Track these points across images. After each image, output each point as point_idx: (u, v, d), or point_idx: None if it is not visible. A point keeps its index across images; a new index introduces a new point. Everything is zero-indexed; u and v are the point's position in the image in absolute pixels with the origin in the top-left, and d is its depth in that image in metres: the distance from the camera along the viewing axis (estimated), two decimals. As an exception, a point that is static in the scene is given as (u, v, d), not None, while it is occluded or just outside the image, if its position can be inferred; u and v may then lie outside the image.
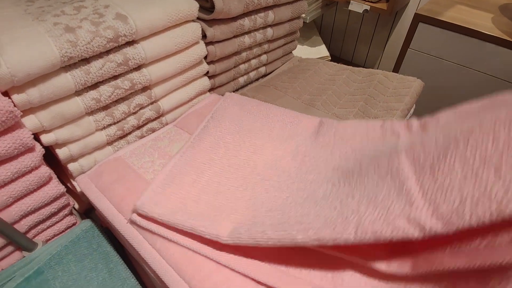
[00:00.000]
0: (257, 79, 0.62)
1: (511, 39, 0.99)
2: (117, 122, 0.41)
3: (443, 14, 1.21)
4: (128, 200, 0.34)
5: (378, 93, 0.54)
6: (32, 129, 0.33)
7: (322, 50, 2.06)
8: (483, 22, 1.19)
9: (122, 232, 0.32)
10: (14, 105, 0.30)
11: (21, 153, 0.33)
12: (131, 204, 0.33)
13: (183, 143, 0.43)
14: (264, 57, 0.59)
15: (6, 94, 0.31)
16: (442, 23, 1.18)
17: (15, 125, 0.31)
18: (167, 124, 0.48)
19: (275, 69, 0.64)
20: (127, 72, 0.39)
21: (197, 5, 0.43)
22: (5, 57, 0.29)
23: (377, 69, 1.98)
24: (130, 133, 0.44)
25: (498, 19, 1.18)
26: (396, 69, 1.41)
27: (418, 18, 1.24)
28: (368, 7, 1.40)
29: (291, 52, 0.67)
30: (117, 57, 0.37)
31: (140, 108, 0.43)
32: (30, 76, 0.30)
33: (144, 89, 0.43)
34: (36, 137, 0.35)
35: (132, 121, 0.43)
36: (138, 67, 0.40)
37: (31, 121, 0.33)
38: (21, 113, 0.31)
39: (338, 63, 2.20)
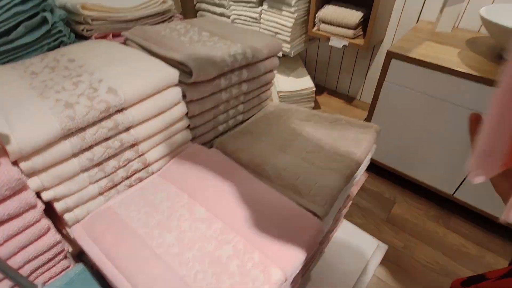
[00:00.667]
0: (235, 126, 0.69)
1: (475, 73, 1.09)
2: (108, 175, 0.48)
3: (413, 51, 1.31)
4: (116, 249, 0.40)
5: (341, 139, 0.62)
6: (35, 189, 0.39)
7: (306, 82, 2.18)
8: (450, 57, 1.29)
9: (111, 278, 0.38)
10: (22, 171, 0.37)
11: (25, 210, 0.39)
12: (119, 252, 0.39)
13: (166, 191, 0.49)
14: (241, 107, 0.67)
15: (15, 163, 0.37)
16: (412, 60, 1.28)
17: (22, 188, 0.37)
18: (153, 173, 0.54)
19: (252, 116, 0.72)
20: (117, 134, 0.46)
21: (177, 73, 0.50)
22: (15, 134, 0.36)
23: (360, 97, 2.10)
24: (119, 183, 0.50)
25: (465, 53, 1.29)
26: (374, 100, 1.51)
27: (390, 55, 1.35)
28: (346, 43, 1.52)
29: (266, 100, 0.74)
30: (108, 123, 0.44)
31: (129, 162, 0.50)
32: (36, 148, 0.37)
33: (132, 145, 0.49)
34: (37, 193, 0.41)
35: (121, 173, 0.49)
36: (127, 129, 0.47)
37: (34, 183, 0.39)
38: (27, 178, 0.37)
39: (323, 92, 2.32)
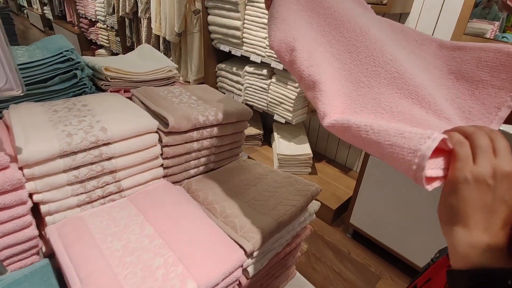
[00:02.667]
0: (206, 171, 0.83)
1: None
2: (87, 192, 0.62)
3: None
4: (74, 246, 0.52)
5: (285, 192, 0.73)
6: (29, 191, 0.54)
7: (305, 148, 2.35)
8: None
9: (64, 269, 0.49)
10: (23, 175, 0.52)
11: (17, 204, 0.52)
12: (76, 249, 0.51)
13: (128, 211, 0.62)
14: (212, 157, 0.82)
15: (20, 168, 0.52)
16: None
17: (19, 187, 0.52)
18: (125, 197, 0.68)
19: (222, 166, 0.86)
20: (100, 161, 0.61)
21: (156, 123, 0.67)
22: (27, 148, 0.52)
23: (357, 169, 2.24)
24: (95, 200, 0.64)
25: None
26: (361, 172, 1.61)
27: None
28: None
29: (237, 154, 0.89)
30: (95, 151, 0.59)
31: (106, 184, 0.64)
32: (38, 160, 0.53)
33: (111, 172, 0.64)
34: (30, 195, 0.55)
35: (98, 192, 0.63)
36: (109, 159, 0.62)
37: (30, 186, 0.54)
38: (26, 180, 0.52)
39: (322, 160, 2.48)
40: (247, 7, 1.88)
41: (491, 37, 1.37)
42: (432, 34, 1.51)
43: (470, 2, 1.30)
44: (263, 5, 1.74)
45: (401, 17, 1.59)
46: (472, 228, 0.30)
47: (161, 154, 0.71)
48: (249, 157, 2.05)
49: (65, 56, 0.73)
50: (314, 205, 0.77)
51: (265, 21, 1.76)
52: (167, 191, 0.69)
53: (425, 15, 1.50)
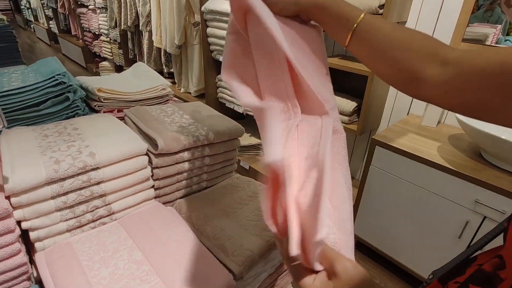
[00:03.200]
0: (199, 191, 0.83)
1: (451, 167, 1.17)
2: (77, 217, 0.62)
3: (396, 141, 1.43)
4: (61, 273, 0.52)
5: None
6: (17, 218, 0.54)
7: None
8: (430, 149, 1.39)
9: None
10: (10, 204, 0.52)
11: (5, 233, 0.53)
12: (62, 277, 0.51)
13: (118, 235, 0.62)
14: (204, 176, 0.82)
15: (7, 197, 0.53)
16: (393, 148, 1.40)
17: (6, 216, 0.52)
18: (116, 219, 0.68)
19: (215, 184, 0.86)
20: (89, 186, 0.61)
21: (146, 146, 0.67)
22: (13, 177, 0.52)
23: (359, 177, 2.20)
24: (85, 224, 0.64)
25: (445, 148, 1.38)
26: (362, 182, 1.60)
27: (375, 142, 1.48)
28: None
29: (230, 172, 0.89)
30: (83, 177, 0.60)
31: (96, 208, 0.64)
32: (25, 189, 0.53)
33: (101, 196, 0.64)
34: (18, 222, 0.56)
35: (88, 216, 0.63)
36: (98, 183, 0.62)
37: (18, 214, 0.54)
38: (13, 209, 0.52)
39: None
40: (244, 19, 1.89)
41: (493, 42, 1.34)
42: (430, 42, 1.50)
43: (468, 8, 1.29)
44: (260, 17, 1.75)
45: (398, 26, 1.59)
46: None
47: (152, 176, 0.71)
48: (250, 167, 2.05)
49: (57, 79, 0.74)
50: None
51: (263, 32, 1.77)
52: (158, 214, 0.69)
53: (422, 23, 1.49)
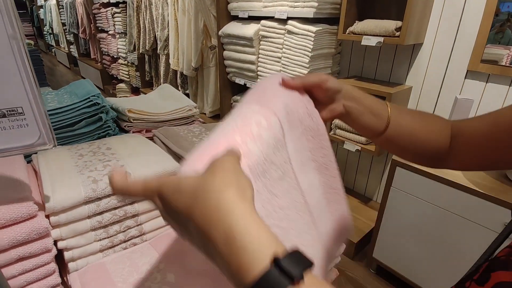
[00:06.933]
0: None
1: (477, 188, 1.13)
2: (110, 237, 0.62)
3: (416, 161, 1.39)
4: (97, 295, 0.51)
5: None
6: (54, 238, 0.54)
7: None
8: (451, 170, 1.36)
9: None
10: (50, 223, 0.52)
11: (43, 252, 0.53)
12: (97, 298, 0.50)
13: (150, 256, 0.61)
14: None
15: (47, 216, 0.53)
16: (414, 169, 1.37)
17: (45, 235, 0.52)
18: (146, 240, 0.67)
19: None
20: (123, 205, 0.62)
21: (177, 165, 0.68)
22: (54, 196, 0.53)
23: (377, 199, 2.15)
24: (117, 245, 0.64)
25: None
26: (383, 204, 1.56)
27: (395, 163, 1.45)
28: (359, 147, 1.65)
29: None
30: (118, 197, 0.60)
31: (128, 228, 0.64)
32: (64, 208, 0.53)
33: (133, 216, 0.64)
34: (54, 241, 0.56)
35: (120, 236, 0.63)
36: (131, 203, 0.63)
37: (55, 233, 0.54)
38: (52, 228, 0.53)
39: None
40: (261, 42, 1.94)
41: (507, 63, 1.34)
42: (447, 64, 1.50)
43: (486, 29, 1.30)
44: (277, 40, 1.80)
45: (414, 48, 1.60)
46: None
47: (182, 195, 0.71)
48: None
49: (91, 100, 0.77)
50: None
51: (279, 55, 1.81)
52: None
53: (439, 45, 1.51)
